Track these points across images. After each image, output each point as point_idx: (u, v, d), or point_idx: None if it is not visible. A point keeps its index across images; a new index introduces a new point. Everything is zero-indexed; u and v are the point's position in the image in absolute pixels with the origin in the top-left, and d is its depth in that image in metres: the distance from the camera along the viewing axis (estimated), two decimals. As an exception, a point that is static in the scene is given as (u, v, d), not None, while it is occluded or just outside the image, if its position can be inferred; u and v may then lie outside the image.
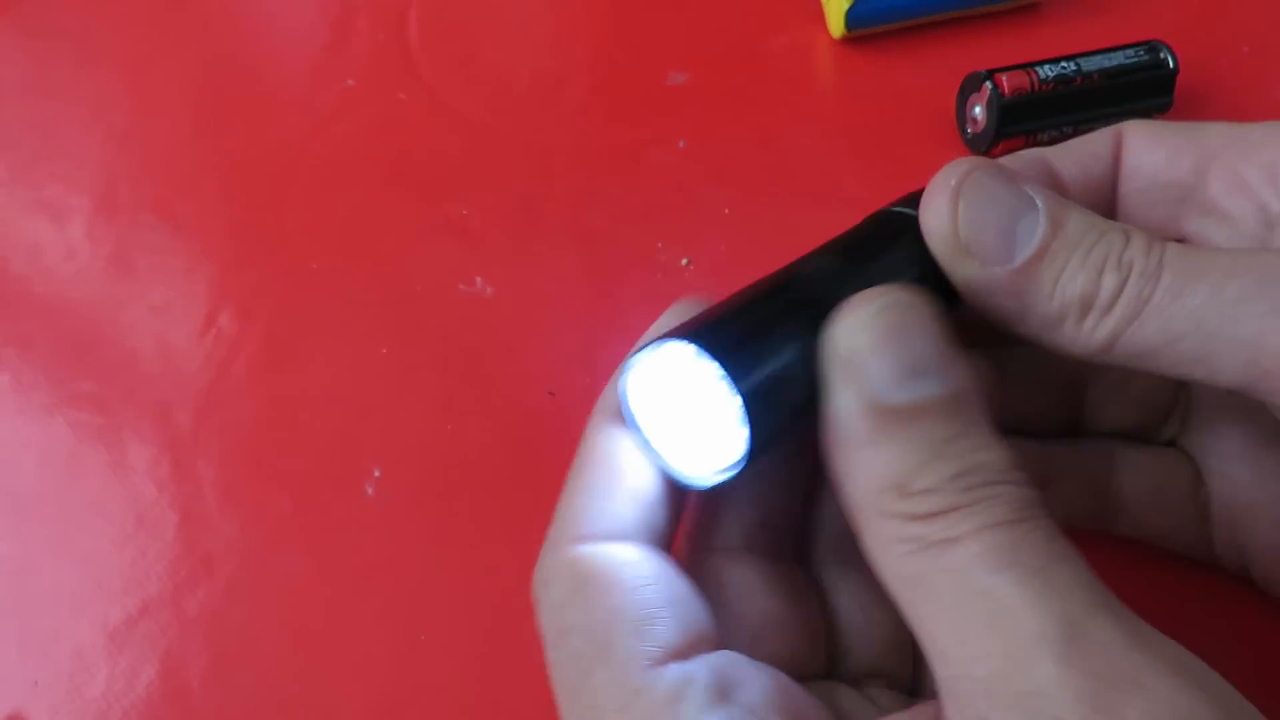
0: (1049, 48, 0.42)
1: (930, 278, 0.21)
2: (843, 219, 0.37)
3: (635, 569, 0.19)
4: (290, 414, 0.34)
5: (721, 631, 0.20)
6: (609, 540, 0.20)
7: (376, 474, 0.32)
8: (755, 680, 0.18)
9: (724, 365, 0.18)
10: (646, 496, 0.21)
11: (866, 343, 0.18)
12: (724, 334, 0.19)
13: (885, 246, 0.22)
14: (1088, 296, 0.19)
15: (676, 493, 0.21)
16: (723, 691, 0.17)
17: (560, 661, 0.19)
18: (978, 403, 0.18)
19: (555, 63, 0.44)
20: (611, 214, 0.38)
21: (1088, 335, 0.19)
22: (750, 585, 0.21)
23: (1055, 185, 0.23)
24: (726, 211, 0.37)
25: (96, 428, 0.34)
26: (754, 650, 0.20)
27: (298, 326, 0.36)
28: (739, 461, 0.19)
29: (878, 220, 0.24)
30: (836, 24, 0.42)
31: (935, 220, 0.21)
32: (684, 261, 0.36)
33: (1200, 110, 0.40)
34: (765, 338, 0.19)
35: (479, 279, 0.37)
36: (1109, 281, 0.19)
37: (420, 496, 0.31)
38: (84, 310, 0.37)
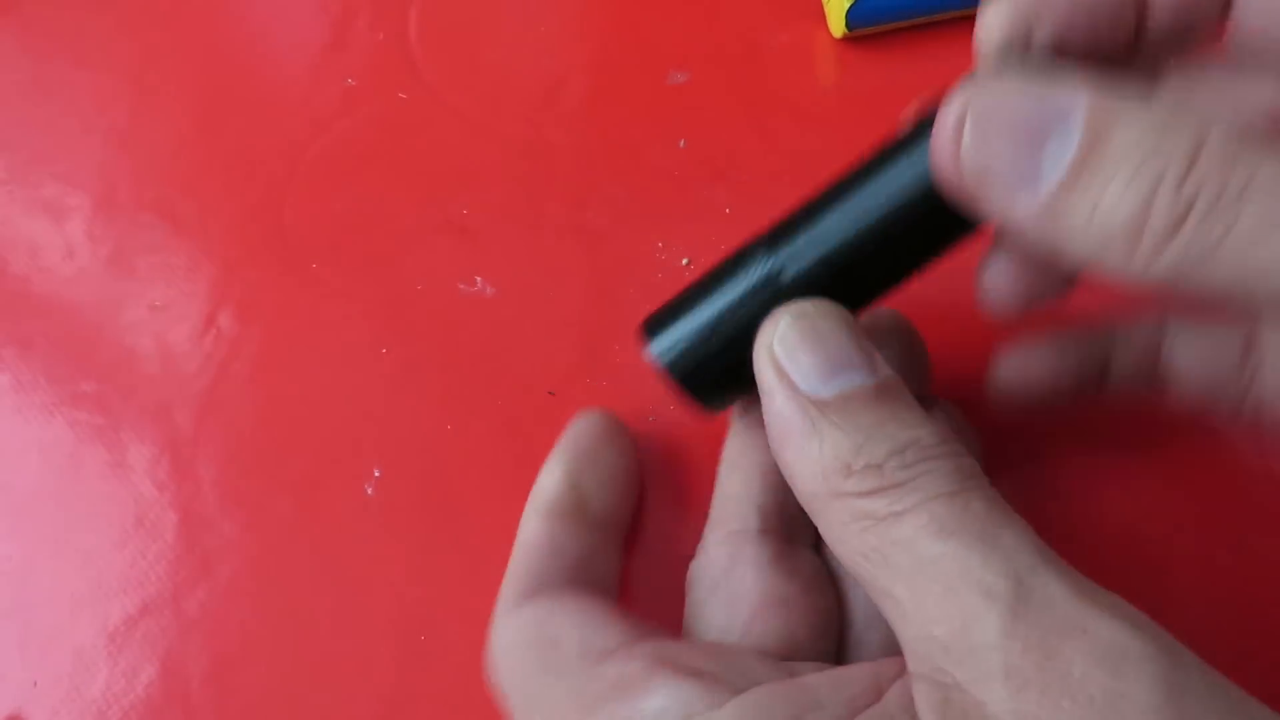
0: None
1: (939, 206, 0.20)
2: (843, 219, 0.37)
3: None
4: (290, 414, 0.34)
5: (727, 604, 0.23)
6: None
7: (376, 474, 0.32)
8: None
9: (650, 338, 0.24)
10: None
11: (787, 351, 0.20)
12: (665, 313, 0.25)
13: (887, 178, 0.22)
14: (1134, 224, 0.15)
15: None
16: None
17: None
18: (902, 389, 0.19)
19: (555, 63, 0.44)
20: (611, 214, 0.38)
21: (1140, 266, 0.15)
22: (757, 563, 0.23)
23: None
24: (727, 211, 0.37)
25: (96, 428, 0.34)
26: (751, 626, 0.22)
27: (298, 326, 0.36)
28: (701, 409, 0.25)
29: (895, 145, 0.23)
30: (837, 23, 0.42)
31: (937, 144, 0.19)
32: (684, 261, 0.36)
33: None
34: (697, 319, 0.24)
35: (479, 279, 0.37)
36: (1162, 208, 0.15)
37: (420, 496, 0.31)
38: (84, 310, 0.37)
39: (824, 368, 0.19)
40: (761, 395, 0.20)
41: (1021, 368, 0.26)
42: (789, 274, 0.22)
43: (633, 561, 0.30)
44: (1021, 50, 0.20)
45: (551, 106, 0.42)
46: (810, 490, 0.19)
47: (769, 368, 0.20)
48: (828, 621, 0.23)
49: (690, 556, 0.26)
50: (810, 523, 0.24)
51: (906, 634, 0.17)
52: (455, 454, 0.32)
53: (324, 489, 0.32)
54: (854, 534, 0.18)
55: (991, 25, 0.20)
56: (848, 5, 0.41)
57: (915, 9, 0.42)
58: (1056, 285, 0.22)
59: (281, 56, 0.46)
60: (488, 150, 0.41)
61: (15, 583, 0.31)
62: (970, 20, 0.44)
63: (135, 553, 0.31)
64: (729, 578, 0.23)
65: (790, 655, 0.22)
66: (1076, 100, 0.16)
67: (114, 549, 0.31)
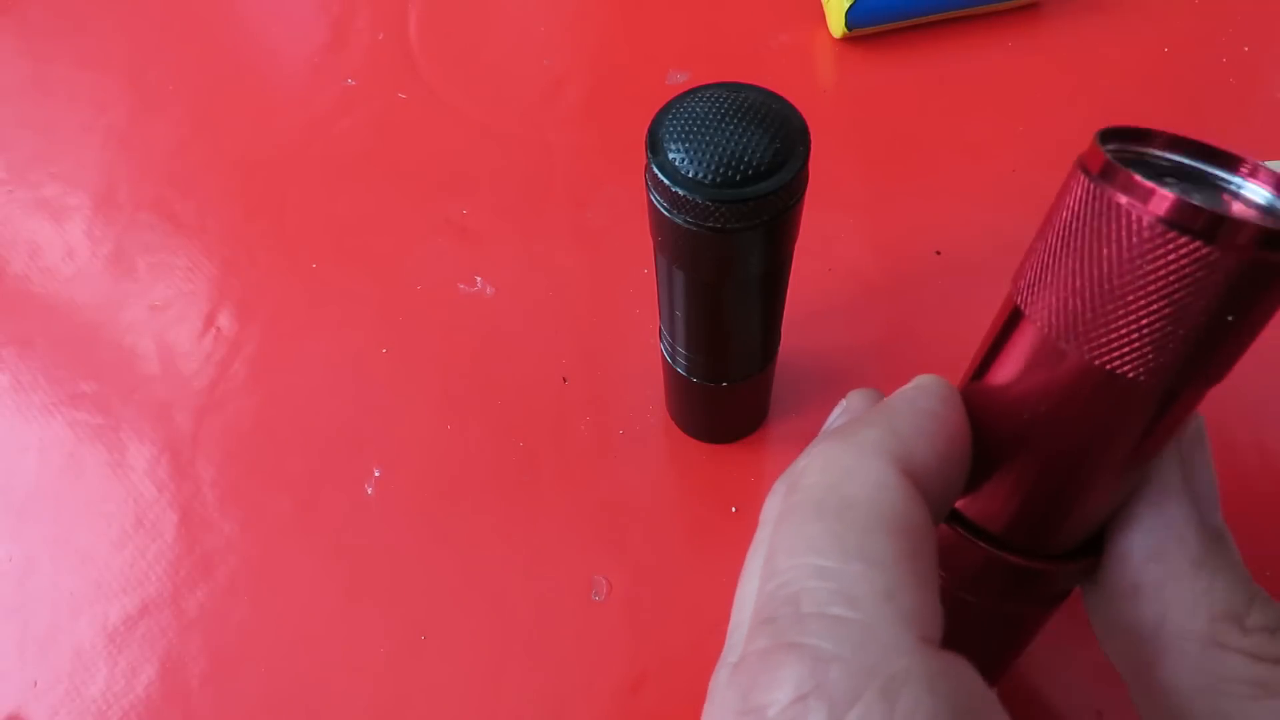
0: (1049, 48, 0.42)
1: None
2: (843, 219, 0.37)
3: None
4: (290, 414, 0.34)
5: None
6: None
7: (376, 474, 0.32)
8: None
9: None
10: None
11: (1196, 459, 0.18)
12: None
13: None
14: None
15: None
16: None
17: None
18: None
19: (555, 63, 0.44)
20: (611, 214, 0.38)
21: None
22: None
23: None
24: (726, 211, 0.37)
25: (96, 428, 0.34)
26: None
27: (298, 326, 0.36)
28: None
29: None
30: (836, 24, 0.42)
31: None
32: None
33: (1200, 109, 0.40)
34: None
35: (479, 279, 0.37)
36: None
37: (420, 496, 0.31)
38: (84, 310, 0.37)
39: (1216, 489, 0.18)
40: (1152, 496, 0.18)
41: None
42: None
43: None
44: None
45: (551, 106, 0.42)
46: (1178, 628, 0.17)
47: (1176, 470, 0.18)
48: None
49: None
50: None
51: None
52: (455, 454, 0.32)
53: (324, 489, 0.32)
54: (1230, 697, 0.16)
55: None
56: (847, 5, 0.41)
57: (914, 10, 0.42)
58: None
59: (281, 56, 0.46)
60: (488, 150, 0.41)
61: (15, 583, 0.31)
62: (969, 20, 0.44)
63: (135, 553, 0.31)
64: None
65: None
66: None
67: (114, 549, 0.31)
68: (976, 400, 0.18)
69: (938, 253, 0.36)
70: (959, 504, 0.19)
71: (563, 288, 0.36)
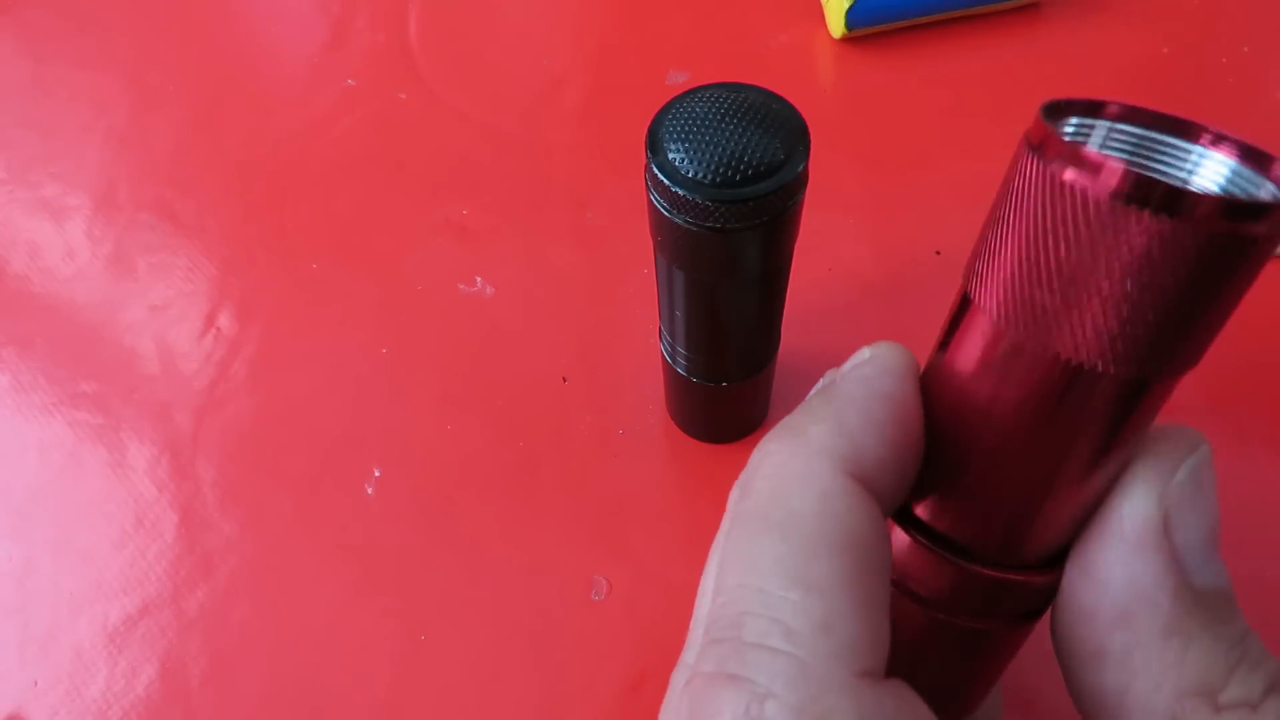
0: (1049, 48, 0.42)
1: None
2: (842, 219, 0.37)
3: None
4: (290, 414, 0.34)
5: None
6: None
7: (376, 474, 0.32)
8: None
9: None
10: None
11: (1183, 505, 0.15)
12: None
13: None
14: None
15: None
16: None
17: None
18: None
19: (555, 63, 0.44)
20: (611, 214, 0.38)
21: None
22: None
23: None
24: (726, 211, 0.37)
25: (96, 428, 0.34)
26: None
27: (298, 326, 0.36)
28: None
29: None
30: (836, 24, 0.42)
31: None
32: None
33: (1200, 109, 0.40)
34: None
35: (479, 279, 0.37)
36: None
37: (420, 496, 0.31)
38: (84, 310, 0.37)
39: (1208, 544, 0.15)
40: (1114, 549, 0.16)
41: None
42: None
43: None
44: None
45: (551, 106, 0.42)
46: (1146, 701, 0.15)
47: (1155, 517, 0.15)
48: None
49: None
50: None
51: None
52: (455, 454, 0.32)
53: (324, 489, 0.32)
54: None
55: None
56: (847, 6, 0.41)
57: (914, 10, 0.42)
58: None
59: (281, 56, 0.46)
60: (488, 150, 0.41)
61: (15, 583, 0.31)
62: (969, 20, 0.44)
63: (135, 553, 0.31)
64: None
65: None
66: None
67: (114, 549, 0.31)
68: (933, 392, 0.17)
69: (938, 253, 0.36)
70: (920, 510, 0.18)
71: (563, 288, 0.36)
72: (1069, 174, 0.13)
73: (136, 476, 0.33)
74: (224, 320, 0.36)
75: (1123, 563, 0.16)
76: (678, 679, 0.16)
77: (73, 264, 0.39)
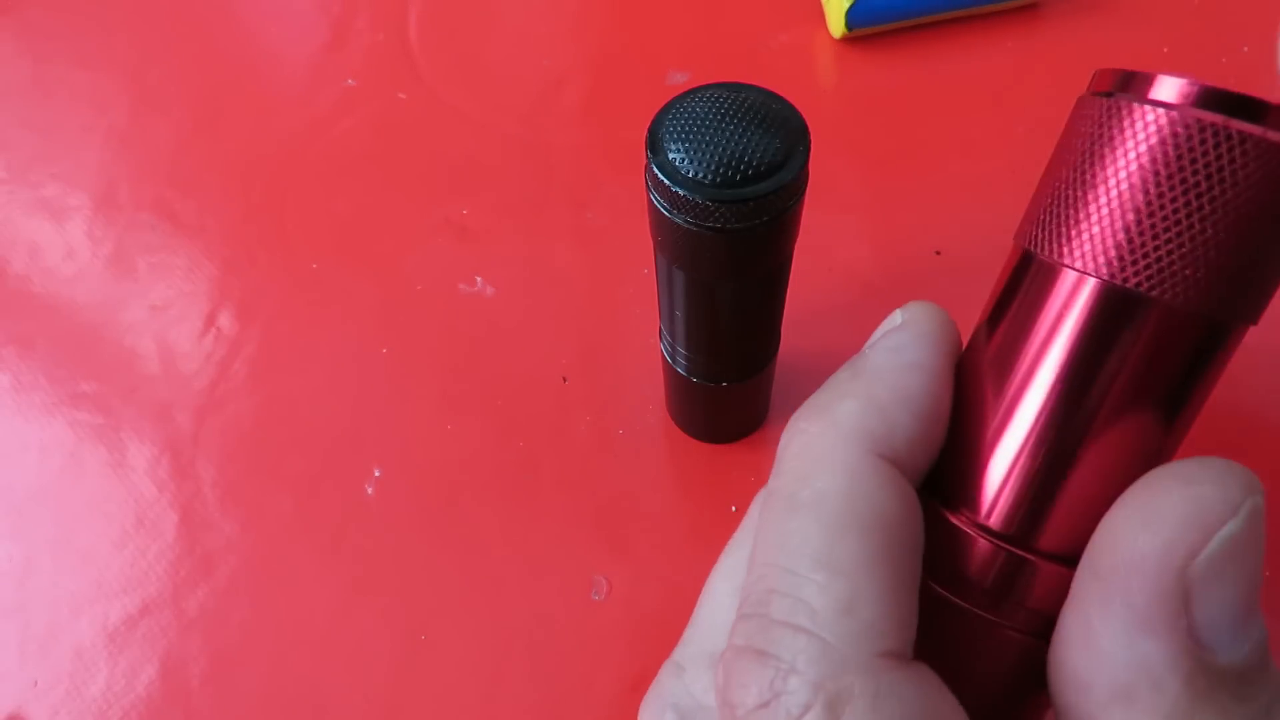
0: (1049, 48, 0.42)
1: None
2: (843, 219, 0.37)
3: None
4: (290, 414, 0.34)
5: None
6: None
7: (376, 474, 0.32)
8: None
9: None
10: None
11: (1210, 575, 0.13)
12: None
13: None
14: None
15: None
16: None
17: None
18: None
19: (555, 63, 0.44)
20: (611, 214, 0.38)
21: None
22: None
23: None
24: (726, 211, 0.37)
25: (96, 428, 0.34)
26: None
27: (298, 326, 0.36)
28: None
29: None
30: (836, 24, 0.42)
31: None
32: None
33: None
34: None
35: (479, 279, 0.37)
36: None
37: (420, 496, 0.31)
38: (84, 310, 0.37)
39: (1242, 618, 0.13)
40: (1118, 619, 0.13)
41: None
42: None
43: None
44: None
45: (551, 106, 0.42)
46: None
47: (1174, 589, 0.13)
48: None
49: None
50: None
51: None
52: (455, 454, 0.32)
53: (324, 489, 0.32)
54: None
55: None
56: (847, 6, 0.41)
57: (914, 10, 0.42)
58: None
59: (281, 56, 0.46)
60: (488, 150, 0.41)
61: (15, 583, 0.31)
62: (969, 20, 0.44)
63: (135, 553, 0.31)
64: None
65: None
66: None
67: (114, 549, 0.31)
68: (981, 376, 0.16)
69: (938, 253, 0.36)
70: (941, 479, 0.17)
71: (563, 288, 0.36)
72: (1147, 106, 0.13)
73: (137, 476, 0.33)
74: (224, 320, 0.36)
75: (1128, 642, 0.13)
76: (665, 674, 0.16)
77: (73, 264, 0.39)
